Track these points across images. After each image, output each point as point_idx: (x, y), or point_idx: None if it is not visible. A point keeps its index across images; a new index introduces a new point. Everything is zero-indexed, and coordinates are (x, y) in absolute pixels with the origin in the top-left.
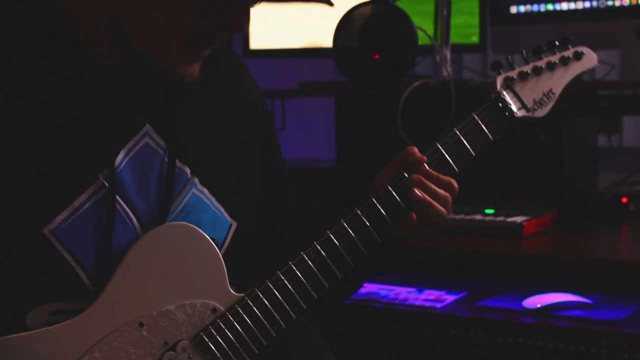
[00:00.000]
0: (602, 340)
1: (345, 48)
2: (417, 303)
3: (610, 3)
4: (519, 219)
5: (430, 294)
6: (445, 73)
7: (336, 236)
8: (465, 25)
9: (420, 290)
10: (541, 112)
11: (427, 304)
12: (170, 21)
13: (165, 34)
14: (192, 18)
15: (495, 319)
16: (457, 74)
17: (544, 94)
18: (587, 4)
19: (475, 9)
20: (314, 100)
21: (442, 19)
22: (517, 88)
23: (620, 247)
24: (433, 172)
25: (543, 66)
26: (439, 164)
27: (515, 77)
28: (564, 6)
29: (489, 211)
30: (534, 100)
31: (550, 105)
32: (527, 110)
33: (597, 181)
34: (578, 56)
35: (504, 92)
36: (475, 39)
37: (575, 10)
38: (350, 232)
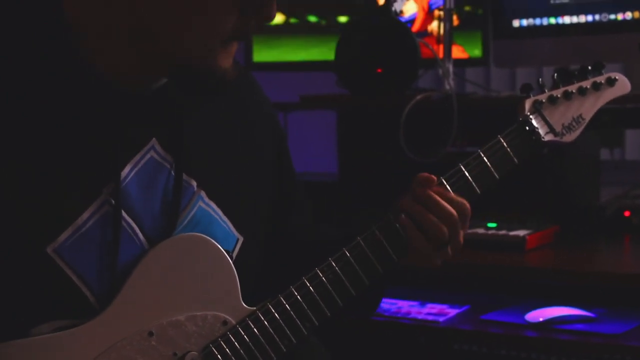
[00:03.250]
0: (605, 353)
1: (347, 61)
2: (420, 317)
3: (612, 17)
4: (521, 232)
5: (433, 308)
6: (447, 86)
7: (352, 253)
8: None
9: (422, 304)
10: (569, 137)
11: (430, 317)
12: (210, 23)
13: (204, 36)
14: (230, 17)
15: (498, 333)
16: (459, 88)
17: (574, 119)
18: (590, 18)
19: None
20: (315, 114)
21: (445, 33)
22: (545, 112)
23: (623, 260)
24: (443, 192)
25: (574, 91)
26: (461, 186)
27: (544, 100)
28: (567, 20)
29: (491, 225)
30: (562, 125)
31: (580, 130)
32: (555, 134)
33: (599, 195)
34: (611, 82)
35: (532, 116)
36: (477, 52)
37: (578, 24)
38: (367, 249)
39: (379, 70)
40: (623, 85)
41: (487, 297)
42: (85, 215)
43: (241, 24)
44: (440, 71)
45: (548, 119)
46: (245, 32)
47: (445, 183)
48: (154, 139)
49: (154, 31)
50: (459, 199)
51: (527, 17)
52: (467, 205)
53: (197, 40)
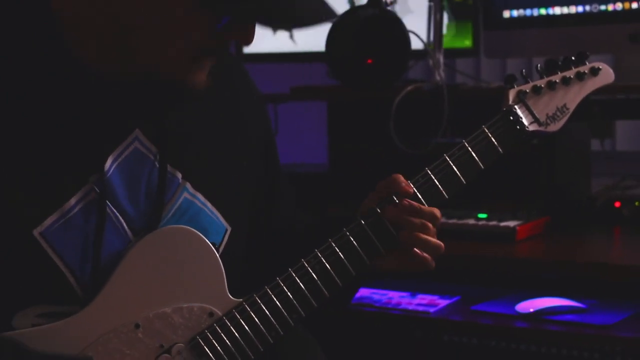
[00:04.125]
0: (595, 344)
1: (338, 52)
2: (410, 307)
3: (603, 8)
4: (512, 223)
5: (423, 299)
6: (438, 77)
7: (338, 244)
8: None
9: (413, 295)
10: (554, 127)
11: (420, 308)
12: (174, 39)
13: (174, 51)
14: (201, 35)
15: (488, 324)
16: (450, 78)
17: (558, 109)
18: (580, 9)
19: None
20: (306, 105)
21: (435, 23)
22: (529, 102)
23: (613, 251)
24: (414, 203)
25: (558, 81)
26: (446, 175)
27: (528, 90)
28: (557, 11)
29: (481, 215)
30: (547, 115)
31: (564, 120)
32: (540, 124)
33: (590, 185)
34: (594, 72)
35: (516, 106)
36: (468, 43)
37: (568, 15)
38: (353, 240)
39: (370, 62)
40: (607, 74)
41: (478, 288)
42: (72, 201)
43: (214, 41)
44: (431, 62)
45: (532, 108)
46: (218, 51)
47: (429, 174)
48: (137, 129)
49: (132, 42)
50: (428, 209)
51: (517, 8)
52: (438, 213)
53: (167, 54)
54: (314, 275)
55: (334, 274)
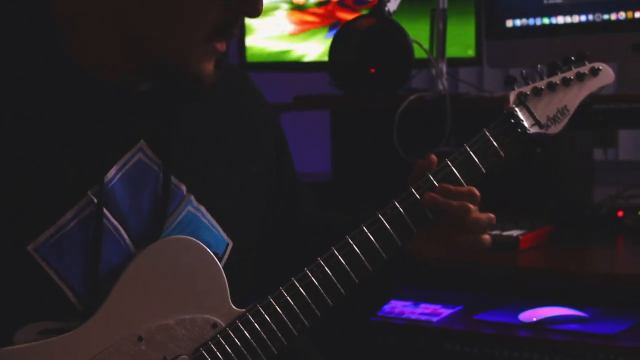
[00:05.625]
0: (598, 354)
1: (341, 61)
2: (413, 317)
3: (606, 17)
4: (515, 232)
5: (426, 308)
6: (441, 87)
7: (341, 253)
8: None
9: (416, 304)
10: (555, 129)
11: (423, 317)
12: (190, 16)
13: (186, 30)
14: (212, 10)
15: (491, 333)
16: (453, 88)
17: (558, 111)
18: (583, 18)
19: (471, 22)
20: (309, 114)
21: (438, 33)
22: (530, 104)
23: (616, 260)
24: (449, 186)
25: (558, 82)
26: (449, 181)
27: (528, 92)
28: (560, 20)
29: None
30: (547, 117)
31: (565, 122)
32: (540, 126)
33: (593, 195)
34: (594, 72)
35: (517, 108)
36: (471, 52)
37: (571, 24)
38: (356, 248)
39: (372, 71)
40: (606, 74)
41: (481, 297)
42: (69, 215)
43: (225, 18)
44: (434, 71)
45: (533, 110)
46: (229, 28)
47: (432, 179)
48: (142, 140)
49: (138, 28)
50: (464, 188)
51: (520, 17)
52: (476, 191)
53: (179, 36)
54: (318, 285)
55: (337, 283)
